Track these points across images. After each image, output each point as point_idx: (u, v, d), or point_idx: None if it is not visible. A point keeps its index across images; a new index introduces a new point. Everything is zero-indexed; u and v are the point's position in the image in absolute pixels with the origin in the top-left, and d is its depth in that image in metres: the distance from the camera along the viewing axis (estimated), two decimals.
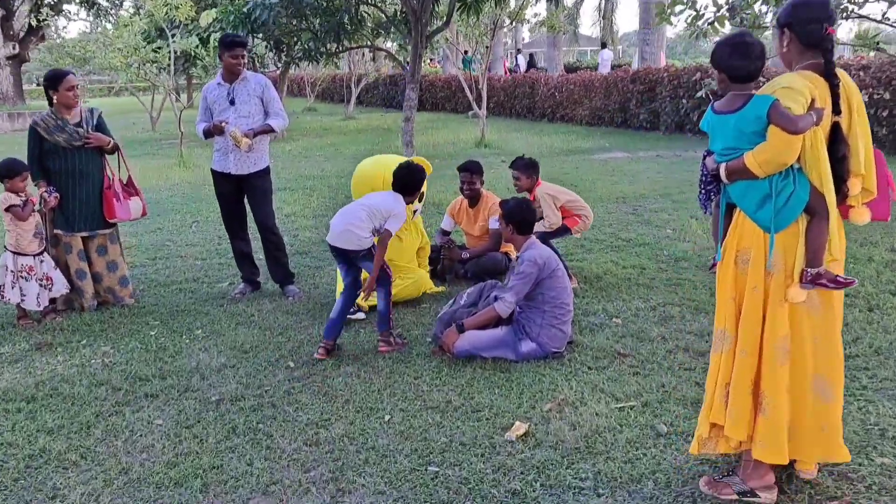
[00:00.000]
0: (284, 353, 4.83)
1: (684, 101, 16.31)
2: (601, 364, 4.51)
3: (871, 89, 12.02)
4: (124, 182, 5.96)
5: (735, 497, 3.08)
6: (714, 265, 3.28)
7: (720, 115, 2.99)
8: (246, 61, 5.89)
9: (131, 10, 18.39)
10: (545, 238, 5.74)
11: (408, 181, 4.96)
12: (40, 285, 5.53)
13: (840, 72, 2.89)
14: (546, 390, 4.17)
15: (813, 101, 2.82)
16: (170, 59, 14.21)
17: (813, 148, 2.82)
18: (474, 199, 6.46)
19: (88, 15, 30.76)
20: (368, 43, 11.28)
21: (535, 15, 19.29)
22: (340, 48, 10.62)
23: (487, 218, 6.39)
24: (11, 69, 29.19)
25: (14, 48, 29.27)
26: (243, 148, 5.66)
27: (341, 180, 12.11)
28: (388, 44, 20.87)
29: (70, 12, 27.94)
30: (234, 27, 9.09)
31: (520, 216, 4.75)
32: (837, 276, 2.90)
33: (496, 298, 4.71)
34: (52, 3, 28.55)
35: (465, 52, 23.22)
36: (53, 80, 5.59)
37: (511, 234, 4.78)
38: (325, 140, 18.99)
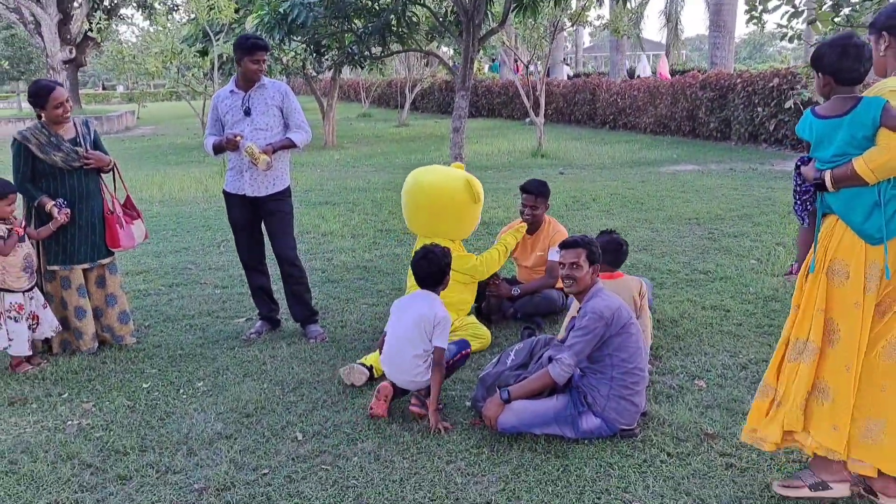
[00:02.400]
0: (293, 419, 3.99)
1: (759, 109, 15.10)
2: (684, 449, 3.56)
3: None
4: (122, 203, 5.22)
5: (809, 493, 3.06)
6: (790, 272, 3.38)
7: (827, 120, 2.85)
8: (266, 67, 5.09)
9: (183, 16, 17.93)
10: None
11: (435, 271, 4.09)
12: (28, 327, 4.81)
13: None
14: (614, 489, 3.24)
15: None
16: (213, 63, 13.60)
17: None
18: (535, 225, 5.57)
19: (144, 19, 30.72)
20: (417, 47, 10.43)
21: (599, 17, 18.24)
22: (386, 52, 9.81)
23: (547, 248, 5.48)
24: (68, 73, 29.20)
25: (71, 52, 29.28)
26: (261, 166, 4.86)
27: (387, 193, 11.33)
28: (443, 48, 20.08)
29: (127, 17, 27.82)
30: (270, 29, 8.37)
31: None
32: None
33: (550, 360, 3.79)
34: (109, 7, 28.51)
35: (493, 59, 22.38)
36: (38, 96, 4.80)
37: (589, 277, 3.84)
38: (376, 148, 18.27)
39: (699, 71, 20.31)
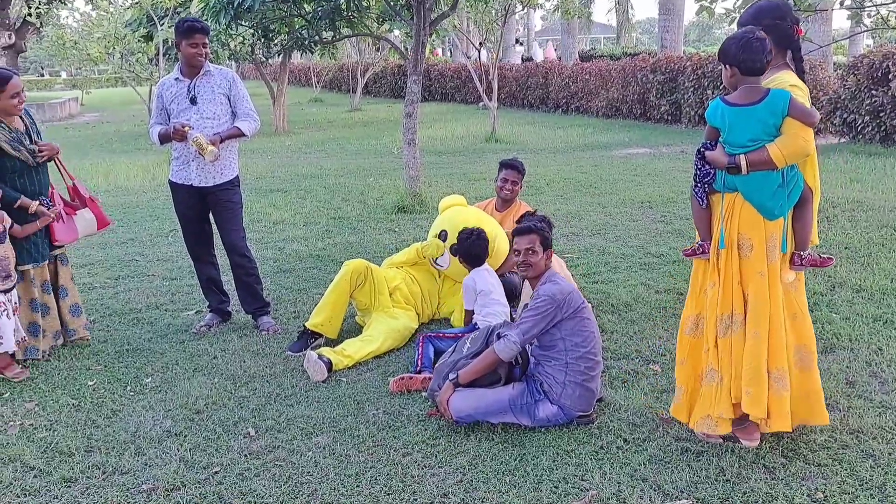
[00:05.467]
0: (245, 415, 3.91)
1: (709, 91, 15.26)
2: (640, 435, 3.56)
3: None
4: (70, 189, 4.98)
5: (721, 441, 3.38)
6: (693, 252, 3.42)
7: (739, 108, 3.06)
8: (208, 51, 4.95)
9: (126, 0, 17.36)
10: None
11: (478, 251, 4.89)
12: None
13: None
14: (571, 477, 3.23)
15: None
16: (157, 49, 13.26)
17: None
18: (508, 202, 5.62)
19: (86, 3, 29.80)
20: (368, 31, 10.29)
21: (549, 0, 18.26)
22: (337, 36, 9.65)
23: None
24: (7, 60, 28.17)
25: (10, 38, 28.29)
26: (209, 158, 4.72)
27: (340, 179, 11.22)
28: (395, 32, 19.87)
29: (68, 1, 26.86)
30: (216, 13, 8.16)
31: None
32: (822, 255, 3.22)
33: (499, 337, 3.77)
34: None
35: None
36: None
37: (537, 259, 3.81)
38: (328, 134, 18.07)
39: (649, 54, 20.45)
